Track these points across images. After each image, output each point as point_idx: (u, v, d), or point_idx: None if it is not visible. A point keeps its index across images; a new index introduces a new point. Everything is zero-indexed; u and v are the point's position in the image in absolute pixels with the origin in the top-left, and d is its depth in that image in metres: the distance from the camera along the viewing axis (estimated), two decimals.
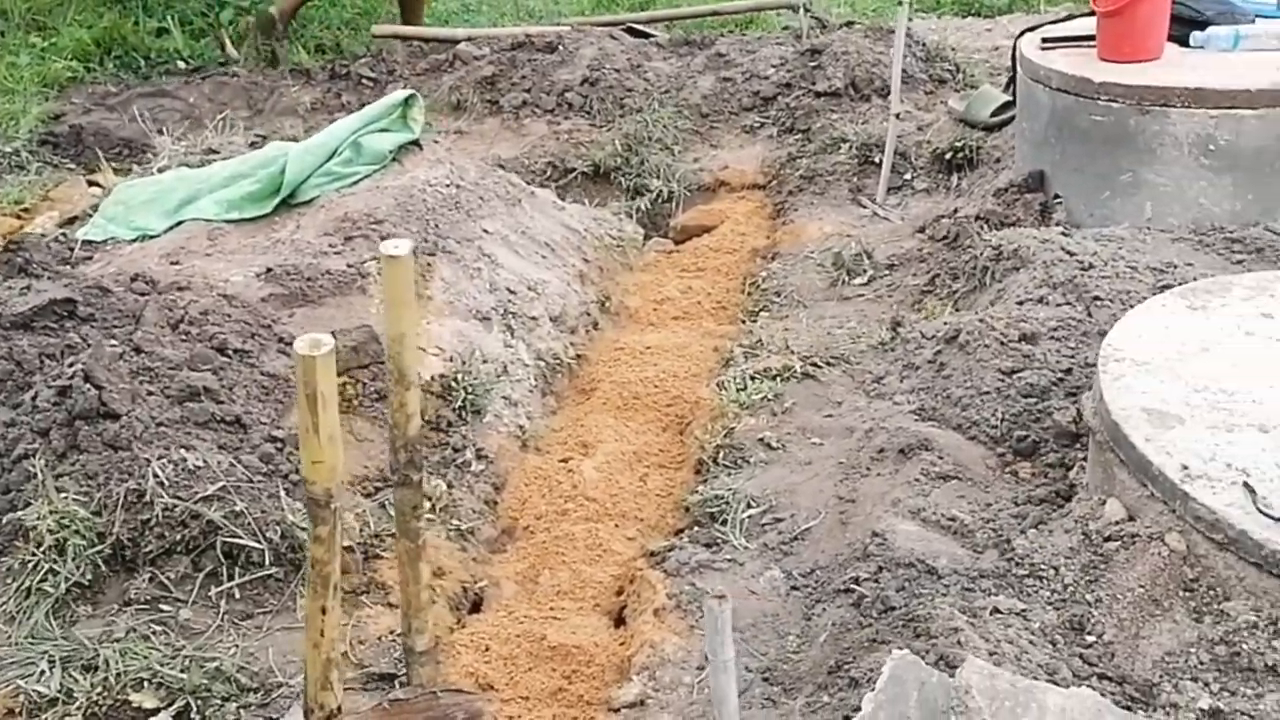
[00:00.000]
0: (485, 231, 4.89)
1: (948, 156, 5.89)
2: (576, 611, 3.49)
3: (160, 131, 6.67)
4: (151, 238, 5.05)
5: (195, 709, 3.02)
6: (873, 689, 2.52)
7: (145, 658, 3.11)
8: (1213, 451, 2.94)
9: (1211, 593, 2.77)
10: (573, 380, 4.70)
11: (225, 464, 3.44)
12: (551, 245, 5.19)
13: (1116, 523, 3.00)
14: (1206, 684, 2.61)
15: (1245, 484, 2.81)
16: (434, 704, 2.81)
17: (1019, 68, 5.25)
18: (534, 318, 4.67)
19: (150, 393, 3.74)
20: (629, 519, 3.84)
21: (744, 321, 5.00)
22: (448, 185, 4.97)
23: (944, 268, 4.79)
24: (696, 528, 3.66)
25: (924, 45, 7.05)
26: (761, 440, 3.93)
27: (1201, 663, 2.64)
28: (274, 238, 4.68)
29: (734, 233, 5.94)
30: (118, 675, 3.06)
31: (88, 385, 3.61)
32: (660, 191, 6.45)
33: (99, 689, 3.02)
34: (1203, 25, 5.01)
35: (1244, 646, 2.61)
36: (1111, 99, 4.66)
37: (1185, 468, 2.89)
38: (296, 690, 2.98)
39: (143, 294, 4.20)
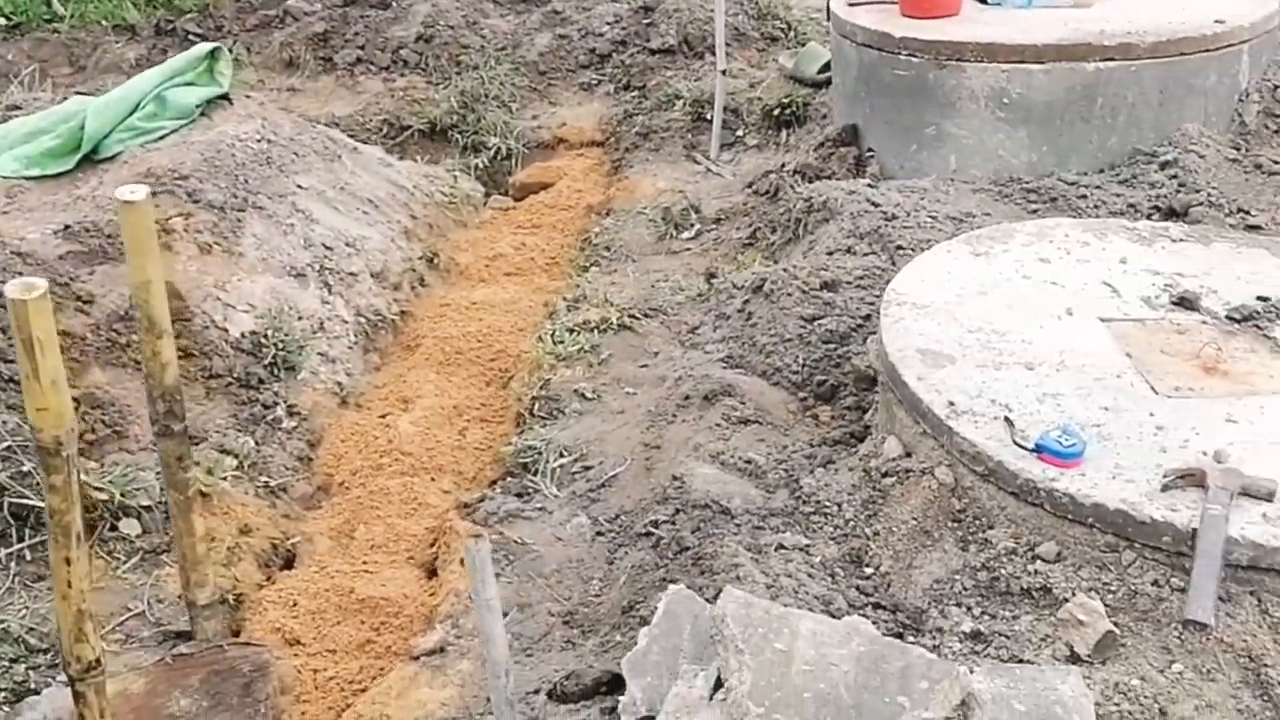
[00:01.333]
0: (300, 187, 4.83)
1: (776, 113, 6.00)
2: (389, 565, 3.50)
3: None
4: None
5: None
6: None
7: None
8: (979, 388, 3.09)
9: (977, 522, 2.92)
10: (397, 337, 4.68)
11: (12, 424, 3.35)
12: (375, 201, 5.15)
13: (894, 459, 3.14)
14: (969, 608, 2.75)
15: (1006, 418, 2.96)
16: (220, 657, 2.82)
17: (831, 24, 5.37)
18: (353, 274, 4.63)
19: None
20: (446, 472, 3.86)
21: (574, 277, 5.04)
22: (259, 140, 4.88)
23: (763, 221, 4.90)
24: (509, 478, 3.71)
25: (755, 3, 7.14)
26: (577, 391, 3.99)
27: (965, 589, 2.79)
28: (75, 195, 4.54)
29: (571, 189, 5.97)
30: None
31: None
32: (499, 149, 6.44)
33: None
34: None
35: (1003, 571, 2.76)
36: (911, 54, 4.81)
37: (952, 404, 3.03)
38: None
39: None
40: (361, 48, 7.27)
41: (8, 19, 8.41)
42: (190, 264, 4.39)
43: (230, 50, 7.60)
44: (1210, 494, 2.67)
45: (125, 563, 3.39)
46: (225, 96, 5.31)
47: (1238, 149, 4.66)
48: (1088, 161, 4.68)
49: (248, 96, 5.44)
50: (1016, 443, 2.88)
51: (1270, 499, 2.69)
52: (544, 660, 2.97)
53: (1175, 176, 4.41)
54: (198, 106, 5.15)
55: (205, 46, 5.37)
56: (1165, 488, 2.73)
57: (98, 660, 2.41)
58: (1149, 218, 4.26)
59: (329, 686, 3.09)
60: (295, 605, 3.33)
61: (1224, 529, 2.58)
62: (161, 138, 4.98)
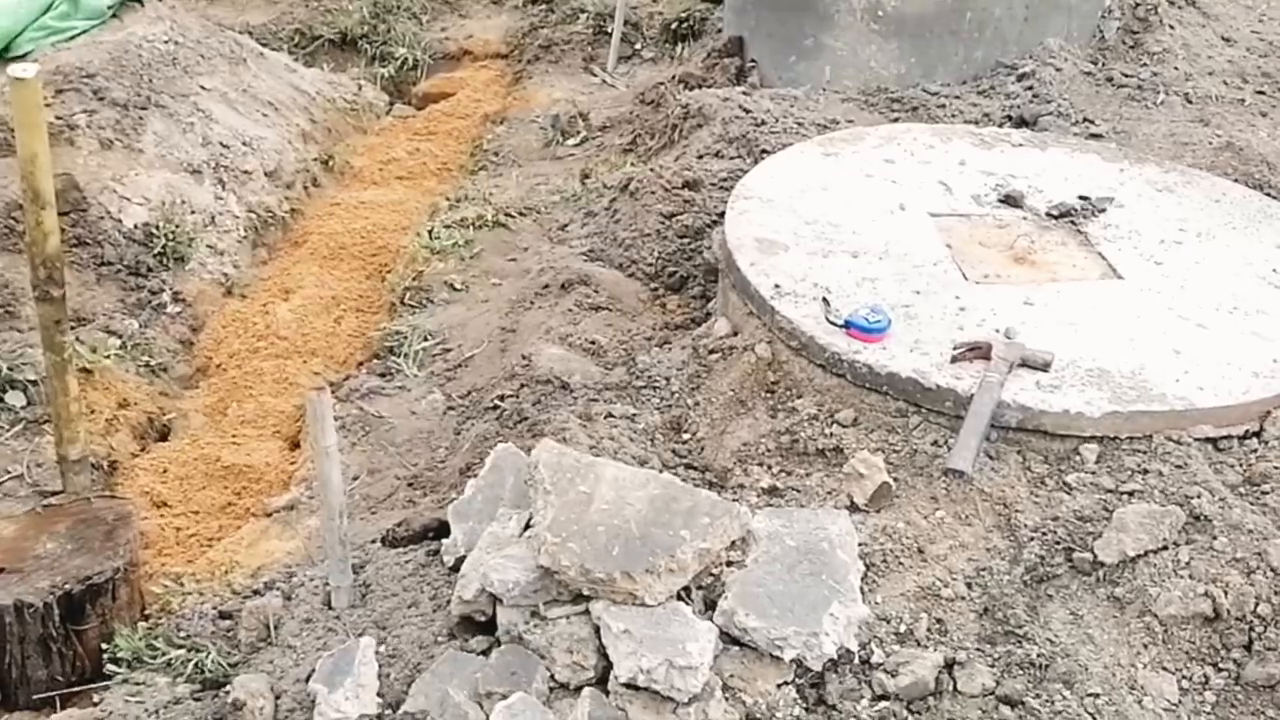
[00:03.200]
0: (202, 88, 4.96)
1: (674, 27, 6.17)
2: (257, 438, 3.72)
3: None
4: None
5: None
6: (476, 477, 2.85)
7: None
8: (805, 273, 3.33)
9: (788, 392, 3.16)
10: (286, 233, 4.85)
11: None
12: (276, 105, 5.28)
13: (721, 338, 3.38)
14: (769, 467, 3.01)
15: (823, 299, 3.20)
16: (86, 508, 3.02)
17: None
18: (247, 172, 4.79)
19: None
20: (319, 356, 4.07)
21: (462, 180, 5.21)
22: (166, 42, 5.00)
23: (644, 128, 5.09)
24: (375, 360, 3.92)
25: None
26: (447, 283, 4.20)
27: (768, 450, 3.04)
28: None
29: (470, 99, 6.12)
30: None
31: None
32: (406, 59, 6.56)
33: None
34: None
35: (802, 434, 3.01)
36: None
37: (777, 286, 3.26)
38: None
39: None
40: None
41: None
42: (91, 158, 4.52)
43: None
44: (992, 364, 2.94)
45: (9, 431, 3.57)
46: None
47: (1095, 63, 4.88)
48: (953, 73, 4.90)
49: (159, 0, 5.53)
50: (828, 319, 3.13)
51: (1045, 369, 2.95)
52: (387, 517, 3.20)
53: (1031, 88, 4.64)
54: (109, 8, 5.24)
55: None
56: (954, 359, 2.99)
57: None
58: (1000, 126, 4.49)
59: (189, 542, 3.32)
60: (165, 472, 3.56)
61: (997, 393, 2.84)
62: (72, 38, 5.07)
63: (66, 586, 2.76)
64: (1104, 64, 4.87)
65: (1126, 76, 4.73)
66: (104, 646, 2.78)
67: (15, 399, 3.63)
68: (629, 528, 2.51)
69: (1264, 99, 4.68)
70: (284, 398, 3.86)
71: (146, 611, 2.98)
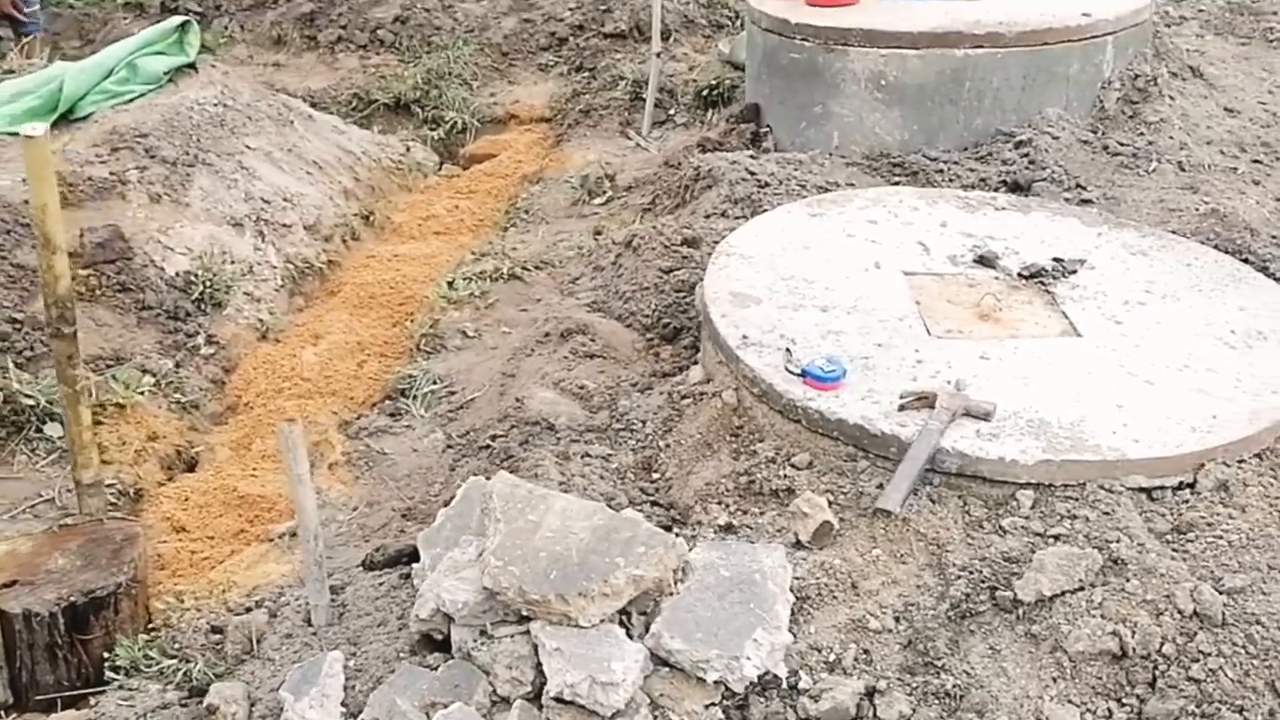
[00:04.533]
0: (248, 147, 5.34)
1: (706, 94, 6.44)
2: (274, 471, 4.00)
3: None
4: None
5: None
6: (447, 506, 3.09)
7: None
8: (774, 325, 3.53)
9: (750, 436, 3.35)
10: (323, 283, 5.18)
11: None
12: (320, 163, 5.65)
13: (695, 384, 3.59)
14: (727, 506, 3.19)
15: (787, 349, 3.40)
16: (98, 529, 3.32)
17: (745, 11, 5.80)
18: (287, 225, 5.14)
19: None
20: (340, 396, 4.35)
21: (493, 236, 5.51)
22: (215, 104, 5.40)
23: (663, 188, 5.34)
24: (388, 401, 4.19)
25: None
26: (461, 330, 4.47)
27: (727, 490, 3.23)
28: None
29: (511, 160, 6.45)
30: None
31: None
32: (455, 122, 6.93)
33: None
34: None
35: (759, 476, 3.19)
36: (805, 38, 5.24)
37: (745, 337, 3.47)
38: None
39: None
40: (343, 28, 7.80)
41: None
42: (140, 211, 4.92)
43: (226, 28, 8.22)
44: (935, 412, 3.10)
45: (45, 459, 3.91)
46: (192, 65, 5.85)
47: (1094, 132, 5.02)
48: (953, 140, 5.07)
49: (213, 66, 5.97)
50: (787, 369, 3.32)
51: (987, 419, 3.10)
52: (380, 545, 3.44)
53: (1027, 155, 4.79)
54: (166, 74, 5.69)
55: (176, 20, 5.91)
56: (901, 408, 3.16)
57: None
58: (996, 191, 4.65)
59: (202, 565, 3.59)
60: (186, 500, 3.85)
61: (935, 440, 3.00)
62: (130, 100, 5.53)
63: (72, 599, 3.04)
64: (1102, 133, 5.01)
65: (1122, 145, 4.87)
66: (106, 655, 3.05)
67: (53, 429, 3.97)
68: (569, 554, 2.72)
69: (1259, 168, 4.77)
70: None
71: (151, 625, 3.25)
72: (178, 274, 4.67)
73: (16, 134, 5.34)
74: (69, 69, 5.48)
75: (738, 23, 7.39)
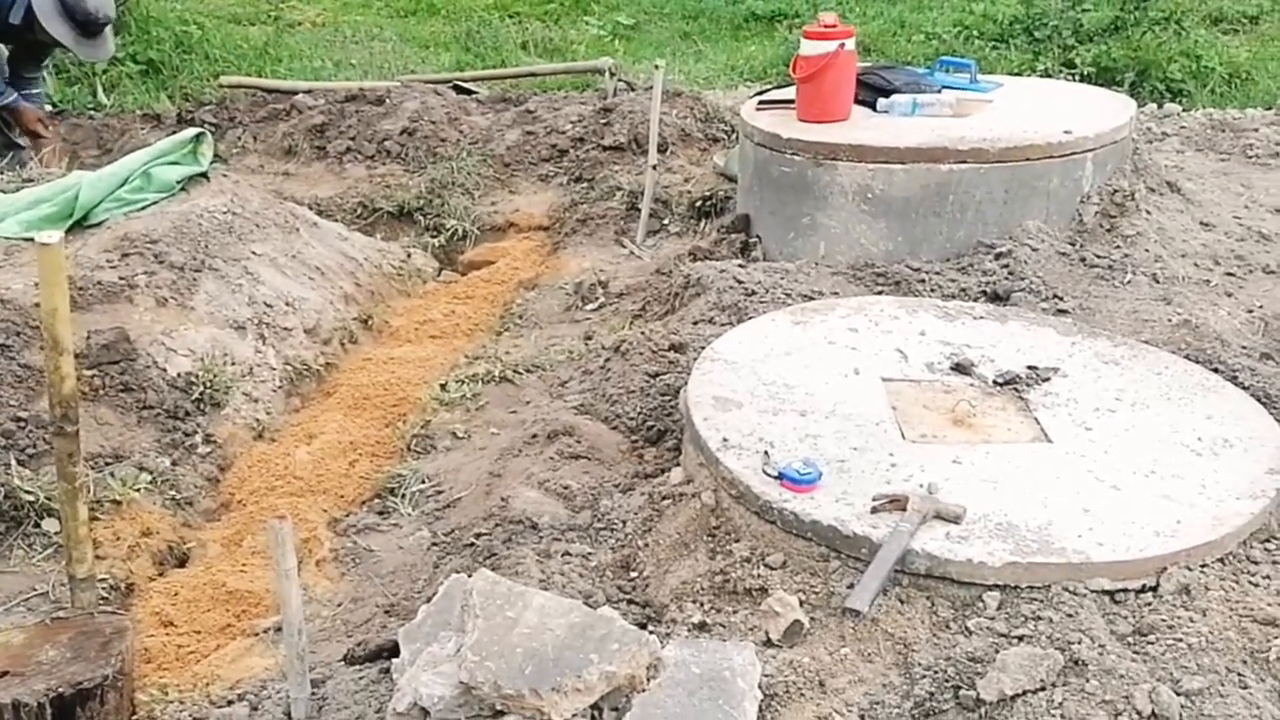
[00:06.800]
0: (254, 253, 5.52)
1: (699, 205, 6.64)
2: (263, 566, 4.07)
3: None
4: None
5: None
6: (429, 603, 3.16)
7: None
8: (753, 428, 3.63)
9: (727, 536, 3.43)
10: (320, 384, 5.31)
11: None
12: (322, 269, 5.83)
13: (676, 485, 3.68)
14: (702, 604, 3.26)
15: (765, 452, 3.50)
16: (89, 622, 3.38)
17: (738, 126, 6.02)
18: (287, 329, 5.28)
19: None
20: (330, 494, 4.44)
21: (487, 340, 5.65)
22: (225, 212, 5.59)
23: (654, 295, 5.49)
24: (376, 500, 4.28)
25: (705, 106, 7.84)
26: (451, 431, 4.57)
27: (703, 589, 3.29)
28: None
29: (508, 267, 6.63)
30: None
31: None
32: (456, 230, 7.14)
33: None
34: (891, 94, 5.81)
35: (734, 575, 3.26)
36: (795, 152, 5.44)
37: (725, 440, 3.57)
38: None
39: None
40: (352, 139, 8.06)
41: (55, 105, 9.38)
42: (146, 314, 5.07)
43: (239, 139, 8.50)
44: (907, 514, 3.18)
45: (41, 554, 3.99)
46: (205, 175, 6.07)
47: (1073, 244, 5.18)
48: (937, 251, 5.23)
49: (224, 175, 6.19)
50: (764, 471, 3.42)
51: (957, 521, 3.18)
52: (362, 640, 3.50)
53: (1006, 265, 4.94)
54: (179, 182, 5.90)
55: (191, 131, 6.15)
56: (874, 510, 3.24)
57: None
58: (976, 300, 4.79)
59: (188, 659, 3.65)
60: (176, 595, 3.91)
61: (905, 541, 3.08)
62: (143, 208, 5.72)
63: (60, 690, 3.09)
64: (1080, 245, 5.16)
65: (1099, 257, 5.02)
66: None
67: (50, 525, 4.06)
68: (545, 650, 2.78)
69: (1231, 280, 4.91)
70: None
71: (135, 717, 3.29)
72: (179, 375, 4.79)
73: (31, 239, 5.55)
74: (86, 177, 5.68)
75: (733, 136, 7.63)
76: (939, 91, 5.91)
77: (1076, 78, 8.51)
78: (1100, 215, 5.25)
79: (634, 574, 3.47)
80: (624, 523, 3.63)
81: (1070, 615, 2.92)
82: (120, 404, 4.62)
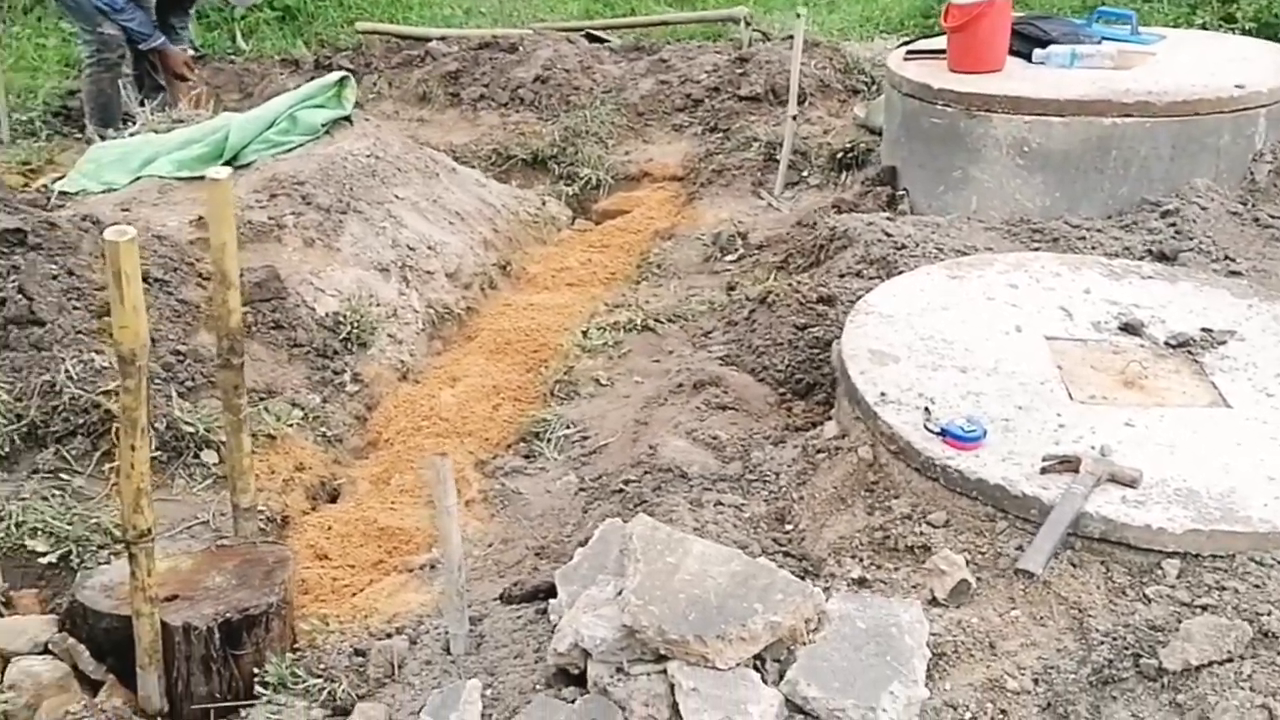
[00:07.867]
0: (397, 197, 5.56)
1: (840, 156, 6.50)
2: (412, 504, 4.12)
3: (141, 104, 7.40)
4: (114, 190, 5.77)
5: (75, 554, 3.68)
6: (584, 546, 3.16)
7: (41, 513, 3.78)
8: (912, 384, 3.54)
9: (886, 493, 3.36)
10: (461, 328, 5.34)
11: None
12: (462, 214, 5.85)
13: (830, 439, 3.61)
14: (861, 560, 3.20)
15: (926, 408, 3.40)
16: (252, 550, 3.46)
17: (885, 75, 5.86)
18: (430, 272, 5.32)
19: (75, 307, 4.43)
20: (476, 437, 4.47)
21: (625, 289, 5.62)
22: (368, 156, 5.65)
23: (795, 248, 5.40)
24: (522, 443, 4.30)
25: (844, 58, 7.66)
26: (594, 378, 4.56)
27: (861, 544, 3.23)
28: None
29: (644, 216, 6.58)
30: (18, 524, 3.72)
31: (20, 296, 4.31)
32: (590, 179, 7.11)
33: (1, 534, 3.69)
34: (1047, 45, 5.59)
35: (894, 532, 3.19)
36: (946, 104, 5.27)
37: (884, 394, 3.48)
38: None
39: (85, 230, 4.90)
40: (486, 86, 8.07)
41: (197, 50, 9.58)
42: (294, 254, 5.16)
43: (374, 84, 8.58)
44: (1080, 476, 3.07)
45: (201, 484, 4.10)
46: (348, 118, 6.13)
47: (1244, 204, 4.93)
48: (1097, 208, 5.03)
49: (366, 119, 6.24)
50: (926, 427, 3.33)
51: (1133, 485, 3.06)
52: (517, 580, 3.52)
53: (1174, 224, 4.73)
54: (323, 125, 5.98)
55: (336, 75, 6.21)
56: (1044, 470, 3.13)
57: (149, 529, 3.05)
58: (1141, 260, 4.59)
59: (343, 591, 3.72)
60: (330, 529, 3.99)
61: (1079, 504, 2.97)
62: (289, 150, 5.81)
63: (228, 615, 3.17)
64: (1253, 204, 4.92)
65: (1273, 218, 4.77)
66: (256, 671, 3.17)
67: (209, 456, 4.16)
68: (708, 597, 2.75)
69: None
70: None
71: (296, 644, 3.36)
72: (327, 314, 4.86)
73: (185, 178, 5.68)
74: (234, 119, 5.79)
75: (874, 88, 7.45)
76: (1099, 43, 5.67)
77: (1237, 32, 8.10)
78: (1275, 174, 5.00)
79: (789, 527, 3.42)
80: (777, 475, 3.58)
81: (1257, 586, 2.79)
82: (272, 341, 4.71)
